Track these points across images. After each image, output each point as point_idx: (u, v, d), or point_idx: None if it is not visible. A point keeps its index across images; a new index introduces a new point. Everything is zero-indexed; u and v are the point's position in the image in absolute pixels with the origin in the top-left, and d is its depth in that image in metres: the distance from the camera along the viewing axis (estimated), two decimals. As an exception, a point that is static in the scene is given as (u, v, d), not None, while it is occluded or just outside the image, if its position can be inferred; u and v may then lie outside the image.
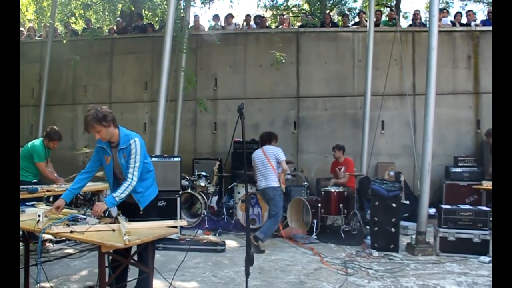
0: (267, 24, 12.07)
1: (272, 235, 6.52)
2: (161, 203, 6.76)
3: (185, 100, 10.23)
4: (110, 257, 3.51)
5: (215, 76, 10.69)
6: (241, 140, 8.82)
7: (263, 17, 12.23)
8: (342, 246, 6.60)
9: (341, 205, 7.24)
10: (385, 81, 9.25)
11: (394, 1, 17.29)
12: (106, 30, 13.03)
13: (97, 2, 14.55)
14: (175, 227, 3.64)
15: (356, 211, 7.35)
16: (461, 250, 5.86)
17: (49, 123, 10.57)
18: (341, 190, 7.38)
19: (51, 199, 5.86)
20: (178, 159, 7.48)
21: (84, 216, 3.49)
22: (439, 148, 9.08)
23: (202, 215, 7.80)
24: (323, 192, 7.45)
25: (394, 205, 6.27)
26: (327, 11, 17.32)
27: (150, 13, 15.89)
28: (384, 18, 11.11)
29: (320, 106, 10.24)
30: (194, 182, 8.33)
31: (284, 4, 19.49)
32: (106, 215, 3.72)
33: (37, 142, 6.37)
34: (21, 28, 12.55)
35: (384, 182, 6.64)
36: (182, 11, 10.33)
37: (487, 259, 5.56)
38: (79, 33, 12.57)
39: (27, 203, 4.23)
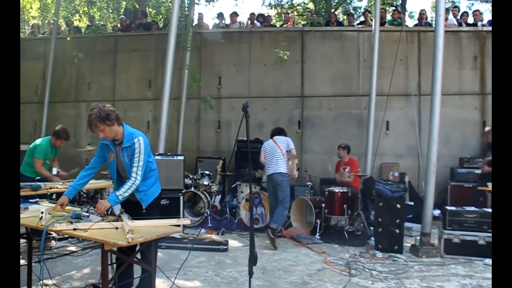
0: (271, 22, 12.06)
1: (275, 234, 6.51)
2: (164, 202, 6.77)
3: (188, 99, 10.26)
4: (114, 255, 3.54)
5: (219, 75, 10.69)
6: (245, 139, 8.86)
7: (267, 16, 12.21)
8: (345, 246, 6.59)
9: (345, 205, 7.22)
10: (390, 81, 9.22)
11: (400, 0, 17.24)
12: (110, 28, 13.05)
13: (101, -1, 14.60)
14: (178, 225, 3.65)
15: (360, 212, 7.34)
16: (466, 252, 5.83)
17: (53, 120, 10.65)
18: (345, 190, 7.36)
19: (53, 197, 5.87)
20: (181, 157, 7.49)
21: (87, 214, 3.49)
22: (444, 149, 9.03)
23: (205, 214, 7.80)
24: (326, 192, 7.43)
25: (398, 206, 6.26)
26: (332, 10, 17.32)
27: (154, 11, 15.89)
28: (388, 17, 11.08)
29: (325, 106, 10.23)
30: (197, 181, 8.33)
31: (289, 3, 19.49)
32: (109, 213, 3.72)
33: (44, 139, 6.46)
34: (26, 26, 12.59)
35: (389, 182, 6.62)
36: (186, 9, 10.35)
37: (492, 261, 5.54)
38: (83, 30, 12.61)
39: (30, 200, 4.23)
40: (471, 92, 9.74)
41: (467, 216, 5.95)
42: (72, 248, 6.05)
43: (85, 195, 6.79)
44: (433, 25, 7.68)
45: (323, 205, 7.34)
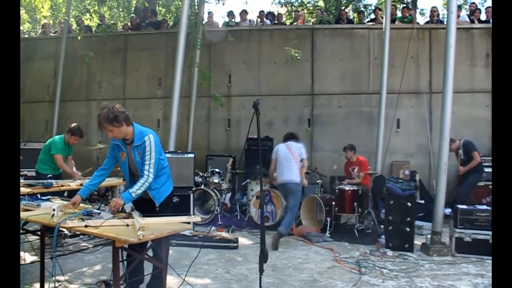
0: (281, 20, 12.04)
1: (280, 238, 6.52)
2: (174, 199, 6.78)
3: (199, 97, 10.30)
4: (125, 252, 3.57)
5: (229, 73, 10.70)
6: (255, 137, 8.84)
7: (276, 14, 12.19)
8: (356, 245, 6.58)
9: (355, 203, 7.20)
10: (401, 78, 9.18)
11: (411, -2, 17.11)
12: (120, 27, 13.12)
13: (111, -2, 14.70)
14: (189, 223, 3.66)
15: (370, 210, 7.32)
16: (478, 251, 5.78)
17: (64, 119, 10.74)
18: (355, 188, 7.35)
19: (65, 194, 5.93)
20: (191, 155, 7.52)
21: (98, 211, 3.53)
22: (456, 147, 8.94)
23: (215, 212, 7.84)
24: (337, 190, 7.42)
25: (409, 204, 6.22)
26: (342, 8, 17.24)
27: (164, 9, 15.96)
28: (398, 14, 10.99)
29: (335, 104, 10.19)
30: (207, 179, 8.37)
31: (299, 1, 19.43)
32: (120, 210, 3.74)
33: (57, 137, 6.60)
34: (37, 25, 12.72)
35: (399, 181, 6.59)
36: (196, 7, 10.38)
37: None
38: (93, 29, 12.69)
39: (42, 198, 4.28)
40: (483, 90, 9.63)
41: (479, 215, 5.90)
42: (84, 245, 6.11)
43: (96, 193, 6.84)
44: (445, 22, 7.61)
45: (333, 203, 7.33)
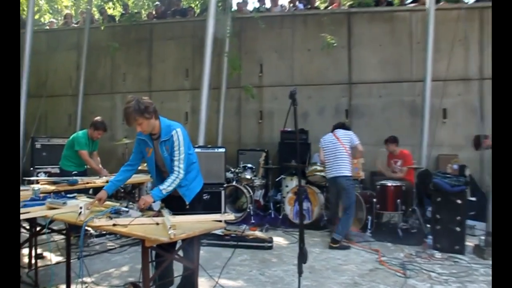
0: (315, 5, 11.86)
1: (337, 245, 6.29)
2: (205, 197, 6.81)
3: (228, 88, 10.28)
4: (154, 252, 3.56)
5: (260, 62, 10.64)
6: (290, 129, 8.77)
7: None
8: (400, 245, 6.44)
9: (398, 200, 7.02)
10: (447, 64, 8.87)
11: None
12: (145, 15, 13.23)
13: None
14: (222, 221, 3.63)
15: (415, 208, 7.13)
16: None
17: (87, 113, 10.93)
18: (398, 184, 7.17)
19: (90, 192, 6.01)
20: (222, 150, 7.52)
21: (127, 209, 3.52)
22: (510, 138, 8.62)
23: (248, 210, 7.82)
24: (378, 186, 7.27)
25: (459, 201, 6.02)
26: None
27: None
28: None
29: (375, 93, 9.99)
30: (239, 175, 8.35)
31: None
32: (148, 208, 3.74)
33: (81, 132, 6.66)
34: (59, 16, 12.96)
35: (448, 176, 6.38)
36: (224, -7, 10.34)
37: None
38: (117, 19, 12.84)
39: (68, 195, 4.33)
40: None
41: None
42: (110, 245, 6.19)
43: (122, 190, 6.91)
44: (497, 1, 7.29)
45: (374, 200, 7.20)
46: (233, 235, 6.39)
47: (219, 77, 10.06)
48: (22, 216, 3.48)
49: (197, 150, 6.76)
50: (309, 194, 7.62)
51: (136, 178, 6.38)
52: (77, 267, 4.20)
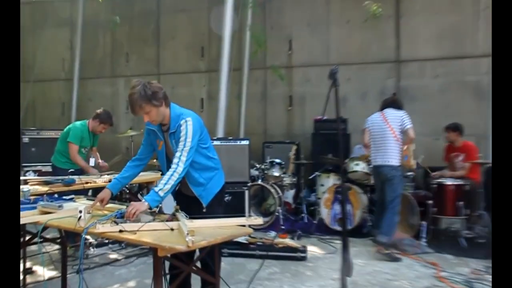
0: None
1: (388, 249, 6.28)
2: (226, 198, 6.79)
3: (252, 69, 10.25)
4: (167, 264, 3.54)
5: (289, 38, 10.57)
6: (324, 118, 8.67)
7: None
8: (463, 258, 6.33)
9: (460, 203, 6.94)
10: (520, 35, 8.66)
11: None
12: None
13: None
14: (247, 226, 3.59)
15: (482, 212, 7.04)
16: None
17: (85, 100, 11.05)
18: (460, 183, 7.08)
19: (89, 193, 6.04)
20: (246, 142, 7.50)
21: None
22: None
23: (276, 213, 7.81)
24: (434, 186, 7.19)
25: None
26: None
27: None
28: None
29: (429, 73, 9.81)
30: (265, 172, 8.33)
31: None
32: (158, 211, 3.69)
33: (79, 123, 6.65)
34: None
35: (522, 172, 6.22)
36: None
37: None
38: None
39: (64, 197, 4.35)
40: None
41: None
42: (113, 257, 6.24)
43: (127, 191, 6.94)
44: None
45: (430, 202, 7.11)
46: (259, 243, 6.38)
47: (241, 57, 10.06)
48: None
49: (216, 142, 6.77)
50: (350, 194, 7.56)
51: (143, 176, 6.29)
52: (74, 283, 4.22)
